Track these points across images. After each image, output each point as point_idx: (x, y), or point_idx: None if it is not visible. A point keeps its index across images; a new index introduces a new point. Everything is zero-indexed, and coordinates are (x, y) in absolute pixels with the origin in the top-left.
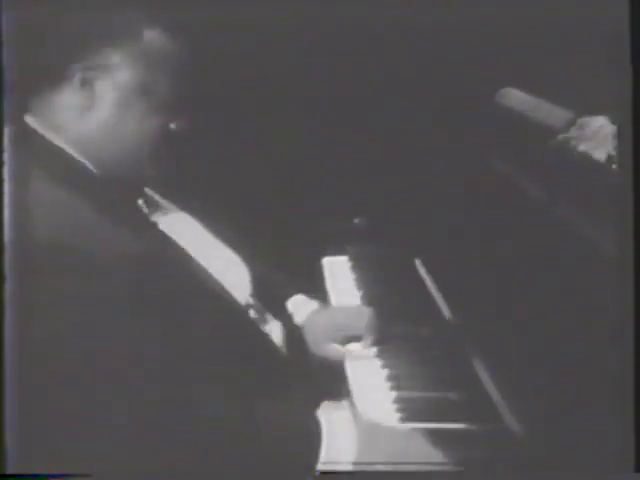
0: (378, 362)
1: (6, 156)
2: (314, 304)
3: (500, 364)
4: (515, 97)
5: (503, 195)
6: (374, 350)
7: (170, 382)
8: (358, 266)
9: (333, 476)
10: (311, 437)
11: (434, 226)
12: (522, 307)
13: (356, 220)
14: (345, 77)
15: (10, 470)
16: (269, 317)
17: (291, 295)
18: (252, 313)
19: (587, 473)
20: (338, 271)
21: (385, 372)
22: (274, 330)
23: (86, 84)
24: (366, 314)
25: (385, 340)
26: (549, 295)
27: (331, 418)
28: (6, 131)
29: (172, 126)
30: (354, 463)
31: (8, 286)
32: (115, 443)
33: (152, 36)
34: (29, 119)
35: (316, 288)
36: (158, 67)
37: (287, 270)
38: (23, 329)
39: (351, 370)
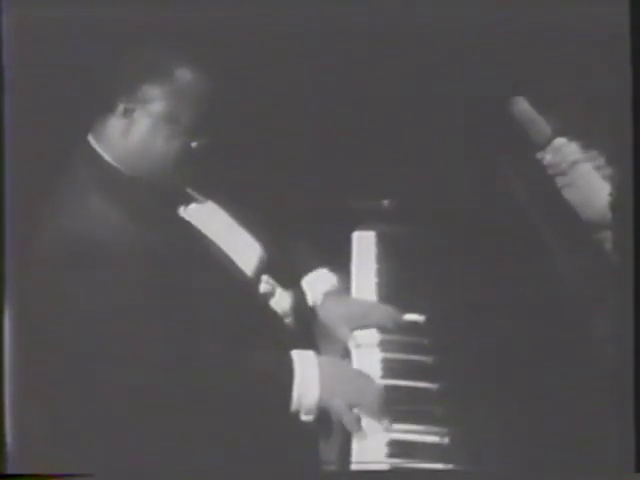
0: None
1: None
2: (334, 279)
3: (500, 364)
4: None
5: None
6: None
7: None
8: (382, 242)
9: None
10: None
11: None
12: (522, 307)
13: (385, 202)
14: (380, 63)
15: (10, 470)
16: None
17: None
18: (264, 287)
19: (587, 473)
20: (364, 245)
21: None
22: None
23: (127, 113)
24: (381, 309)
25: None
26: (549, 296)
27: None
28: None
29: (193, 145)
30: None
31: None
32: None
33: (182, 74)
34: (91, 139)
35: (342, 261)
36: (184, 99)
37: (317, 243)
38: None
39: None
